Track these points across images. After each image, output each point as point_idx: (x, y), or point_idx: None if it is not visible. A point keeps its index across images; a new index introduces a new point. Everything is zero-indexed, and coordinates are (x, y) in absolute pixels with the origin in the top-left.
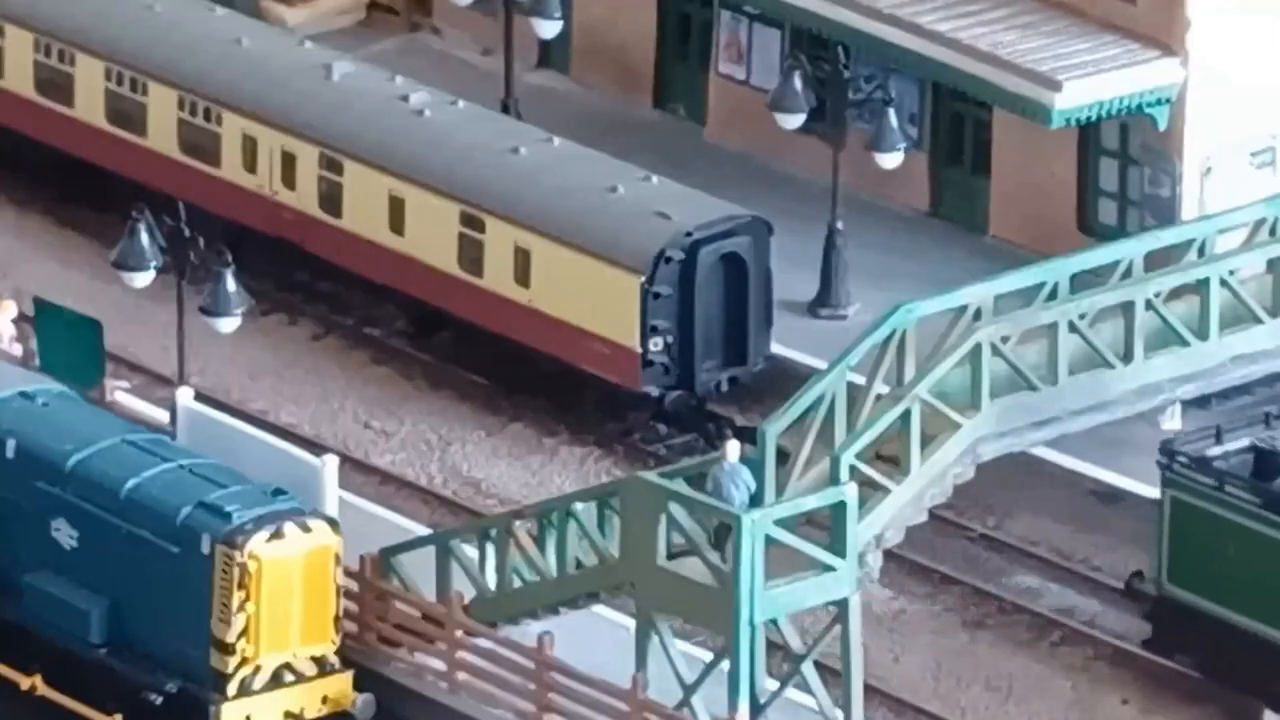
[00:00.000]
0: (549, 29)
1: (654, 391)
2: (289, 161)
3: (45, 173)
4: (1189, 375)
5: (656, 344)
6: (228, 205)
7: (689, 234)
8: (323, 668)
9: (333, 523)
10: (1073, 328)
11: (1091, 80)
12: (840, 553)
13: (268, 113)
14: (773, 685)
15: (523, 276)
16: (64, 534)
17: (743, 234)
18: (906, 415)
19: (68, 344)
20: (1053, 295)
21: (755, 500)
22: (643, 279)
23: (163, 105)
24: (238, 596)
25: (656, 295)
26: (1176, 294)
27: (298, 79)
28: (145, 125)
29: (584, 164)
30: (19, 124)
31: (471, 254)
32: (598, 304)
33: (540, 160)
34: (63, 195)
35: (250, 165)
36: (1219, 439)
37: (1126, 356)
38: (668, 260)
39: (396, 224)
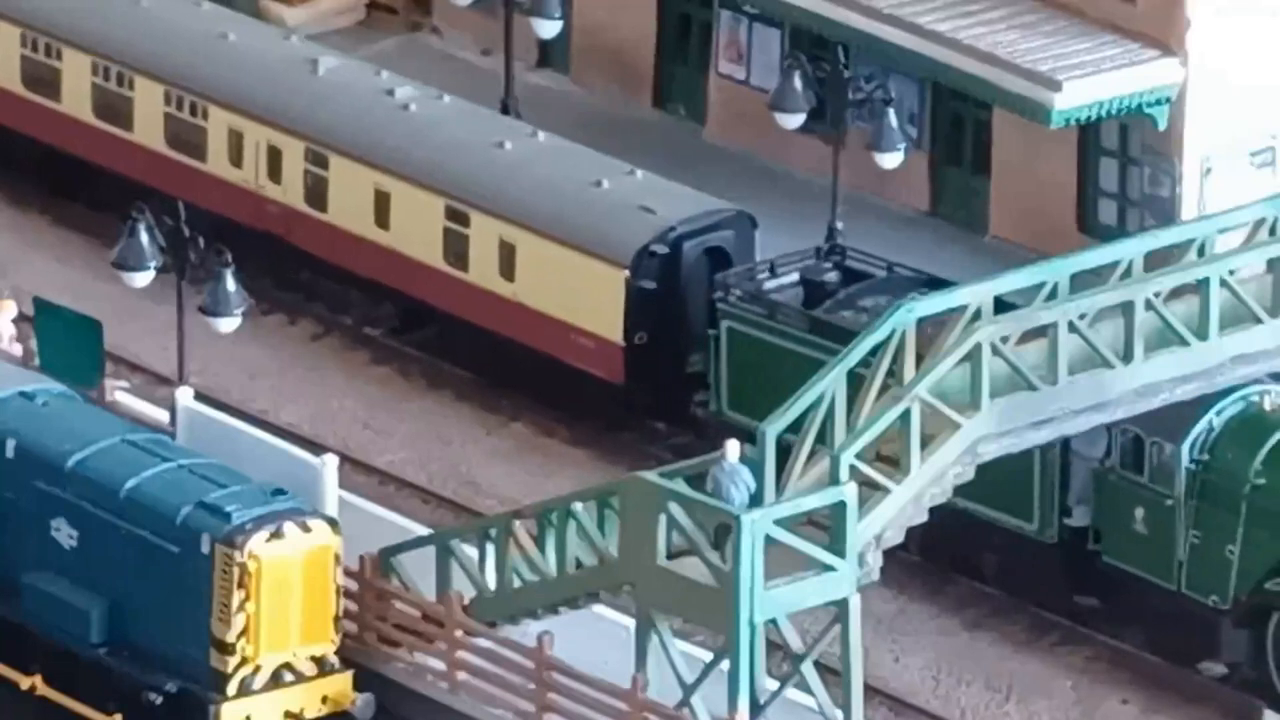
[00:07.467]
0: (549, 29)
1: (638, 385)
2: (275, 156)
3: (32, 167)
4: (1189, 375)
5: (641, 337)
6: (214, 199)
7: (673, 228)
8: (323, 668)
9: (333, 523)
10: (1073, 328)
11: (1091, 80)
12: (840, 553)
13: (254, 107)
14: (773, 685)
15: (507, 270)
16: (64, 534)
17: (726, 228)
18: (906, 415)
19: (68, 344)
20: (1053, 295)
21: (755, 500)
22: (627, 273)
23: (149, 100)
24: (237, 596)
25: (641, 289)
26: (1176, 294)
27: (283, 74)
28: (132, 120)
29: (568, 158)
30: (5, 118)
31: (456, 248)
32: (582, 298)
33: (525, 154)
34: (62, 194)
35: (236, 159)
36: (773, 273)
37: (1126, 356)
38: (652, 254)
39: (382, 218)
